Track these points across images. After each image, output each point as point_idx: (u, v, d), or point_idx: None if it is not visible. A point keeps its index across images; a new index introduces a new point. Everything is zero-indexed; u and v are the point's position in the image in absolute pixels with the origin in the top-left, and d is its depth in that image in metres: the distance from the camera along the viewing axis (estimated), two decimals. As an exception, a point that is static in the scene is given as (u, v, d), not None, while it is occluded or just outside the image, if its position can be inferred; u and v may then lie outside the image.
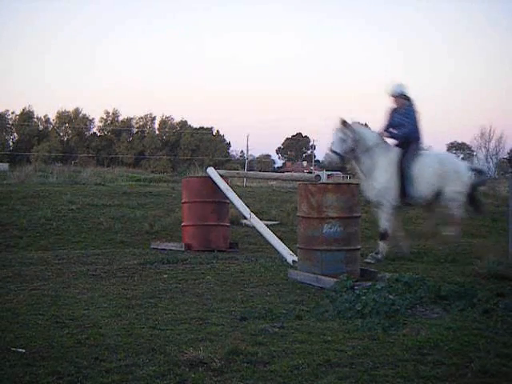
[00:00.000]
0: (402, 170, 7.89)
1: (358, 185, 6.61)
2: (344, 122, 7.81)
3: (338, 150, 7.81)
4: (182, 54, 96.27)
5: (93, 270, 6.78)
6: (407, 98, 8.13)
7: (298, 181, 8.62)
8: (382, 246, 7.76)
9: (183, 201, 9.07)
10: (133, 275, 6.48)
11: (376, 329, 4.29)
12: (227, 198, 8.73)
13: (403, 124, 8.00)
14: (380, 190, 7.82)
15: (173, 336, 4.10)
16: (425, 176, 7.96)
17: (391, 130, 8.10)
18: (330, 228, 6.17)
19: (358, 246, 6.39)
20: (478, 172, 8.61)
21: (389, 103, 8.19)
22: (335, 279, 5.64)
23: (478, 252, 7.55)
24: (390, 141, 8.12)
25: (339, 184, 6.58)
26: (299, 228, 6.49)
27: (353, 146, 7.79)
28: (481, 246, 8.40)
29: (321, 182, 7.66)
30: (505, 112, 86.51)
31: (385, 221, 7.91)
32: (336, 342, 4.00)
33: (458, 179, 8.09)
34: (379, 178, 7.85)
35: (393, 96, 8.14)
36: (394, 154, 7.95)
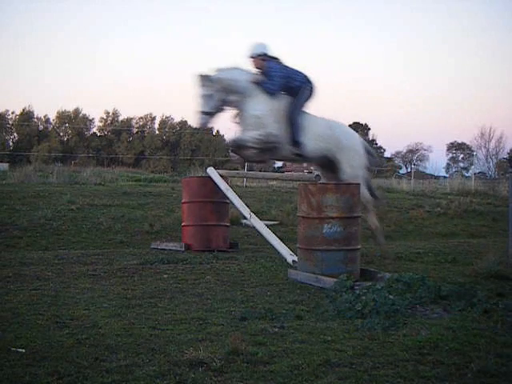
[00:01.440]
0: (290, 116, 7.36)
1: (358, 185, 6.60)
2: (202, 76, 7.19)
3: (206, 109, 7.21)
4: (181, 54, 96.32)
5: (93, 270, 6.78)
6: (270, 58, 7.50)
7: (298, 181, 8.60)
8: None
9: (183, 201, 9.07)
10: (133, 275, 6.48)
11: (376, 329, 4.29)
12: (227, 198, 8.73)
13: (269, 83, 7.39)
14: (256, 117, 7.21)
15: (173, 336, 4.11)
16: (313, 131, 7.45)
17: (263, 82, 7.44)
18: (330, 228, 6.17)
19: (358, 246, 6.39)
20: (368, 153, 8.02)
21: (251, 66, 7.57)
22: (335, 279, 5.64)
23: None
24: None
25: (339, 184, 6.58)
26: (299, 228, 6.49)
27: (223, 97, 7.20)
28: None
29: (321, 181, 7.62)
30: (505, 112, 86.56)
31: (251, 136, 7.21)
32: (336, 341, 4.00)
33: (350, 150, 7.61)
34: (255, 107, 7.24)
35: (251, 57, 7.51)
36: (277, 96, 7.38)
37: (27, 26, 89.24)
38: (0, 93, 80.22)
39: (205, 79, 7.19)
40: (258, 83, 7.45)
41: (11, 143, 62.93)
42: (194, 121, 7.33)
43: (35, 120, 64.31)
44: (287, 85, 7.50)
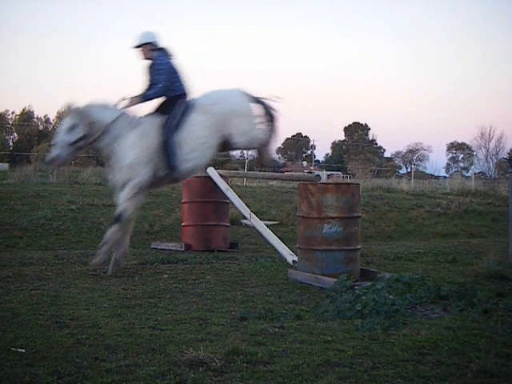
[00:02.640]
0: (163, 140, 6.74)
1: (358, 185, 6.60)
2: (71, 107, 6.67)
3: (62, 142, 6.55)
4: (181, 53, 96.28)
5: (93, 270, 6.78)
6: (159, 49, 6.94)
7: (298, 181, 8.60)
8: (112, 231, 6.63)
9: (183, 201, 9.07)
10: (133, 275, 6.49)
11: (376, 329, 4.29)
12: (227, 198, 8.73)
13: (155, 82, 6.80)
14: (128, 167, 6.67)
15: (173, 336, 4.10)
16: (194, 137, 6.80)
17: (145, 92, 6.87)
18: (330, 228, 6.17)
19: (358, 246, 6.39)
20: (258, 102, 7.24)
21: (137, 57, 7.01)
22: (335, 279, 5.64)
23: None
24: (145, 105, 6.88)
25: (339, 184, 6.58)
26: (299, 228, 6.49)
27: (85, 132, 6.59)
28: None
29: (321, 181, 7.61)
30: (505, 112, 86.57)
31: (127, 200, 6.71)
32: (336, 342, 4.00)
33: (236, 117, 6.95)
34: (125, 155, 6.68)
35: (137, 47, 6.91)
36: (146, 124, 6.80)
37: (27, 26, 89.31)
38: (0, 93, 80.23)
39: (71, 109, 6.68)
40: (132, 106, 6.86)
41: (11, 143, 62.91)
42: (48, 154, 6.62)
43: (35, 120, 64.32)
44: (169, 86, 6.84)
